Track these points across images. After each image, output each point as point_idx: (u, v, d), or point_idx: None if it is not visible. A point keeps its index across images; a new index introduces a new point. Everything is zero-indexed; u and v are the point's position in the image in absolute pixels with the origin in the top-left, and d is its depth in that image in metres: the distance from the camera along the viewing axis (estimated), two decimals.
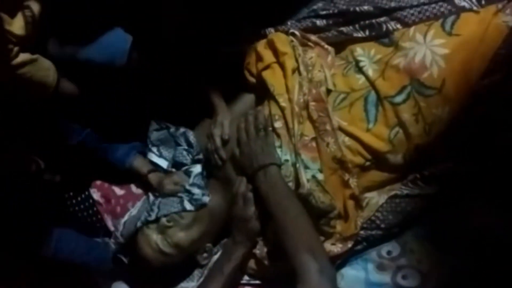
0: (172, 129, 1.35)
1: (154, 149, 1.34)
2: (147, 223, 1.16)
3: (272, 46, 1.23)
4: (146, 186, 1.32)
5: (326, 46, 1.24)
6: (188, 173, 1.26)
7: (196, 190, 1.20)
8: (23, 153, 1.21)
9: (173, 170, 1.31)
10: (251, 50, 1.28)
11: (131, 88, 1.32)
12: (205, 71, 1.28)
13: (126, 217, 1.24)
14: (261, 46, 1.26)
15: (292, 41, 1.23)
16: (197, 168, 1.27)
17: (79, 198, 1.33)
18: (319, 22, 1.25)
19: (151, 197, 1.25)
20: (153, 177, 1.29)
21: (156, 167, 1.34)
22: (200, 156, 1.30)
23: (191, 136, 1.32)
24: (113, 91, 1.29)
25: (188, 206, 1.17)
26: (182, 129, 1.34)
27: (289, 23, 1.29)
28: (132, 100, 1.34)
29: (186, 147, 1.31)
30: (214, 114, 1.26)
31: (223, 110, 1.25)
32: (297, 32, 1.26)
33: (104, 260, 1.24)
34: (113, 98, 1.30)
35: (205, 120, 1.33)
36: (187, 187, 1.21)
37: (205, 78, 1.27)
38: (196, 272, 1.25)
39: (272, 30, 1.30)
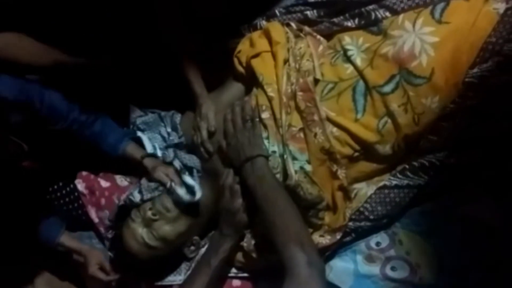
0: (163, 113, 1.33)
1: (140, 134, 1.30)
2: (131, 205, 1.16)
3: (267, 35, 1.21)
4: (139, 173, 1.27)
5: (318, 36, 1.22)
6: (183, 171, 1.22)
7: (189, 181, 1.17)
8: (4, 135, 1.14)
9: (160, 155, 1.26)
10: (245, 39, 1.26)
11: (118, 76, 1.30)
12: (191, 62, 1.25)
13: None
14: (256, 35, 1.24)
15: (287, 32, 1.21)
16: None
17: (63, 191, 1.30)
18: (310, 14, 1.22)
19: (144, 182, 1.21)
20: (148, 162, 1.24)
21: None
22: (182, 140, 1.27)
23: (178, 118, 1.30)
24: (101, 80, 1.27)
25: (180, 192, 1.14)
26: (171, 112, 1.32)
27: (278, 12, 1.26)
28: (118, 89, 1.33)
29: (169, 130, 1.29)
30: (196, 106, 1.23)
31: (205, 101, 1.22)
32: (293, 24, 1.23)
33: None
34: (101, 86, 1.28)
35: (188, 113, 1.30)
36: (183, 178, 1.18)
37: (188, 69, 1.24)
38: (184, 266, 1.25)
39: (264, 22, 1.27)
